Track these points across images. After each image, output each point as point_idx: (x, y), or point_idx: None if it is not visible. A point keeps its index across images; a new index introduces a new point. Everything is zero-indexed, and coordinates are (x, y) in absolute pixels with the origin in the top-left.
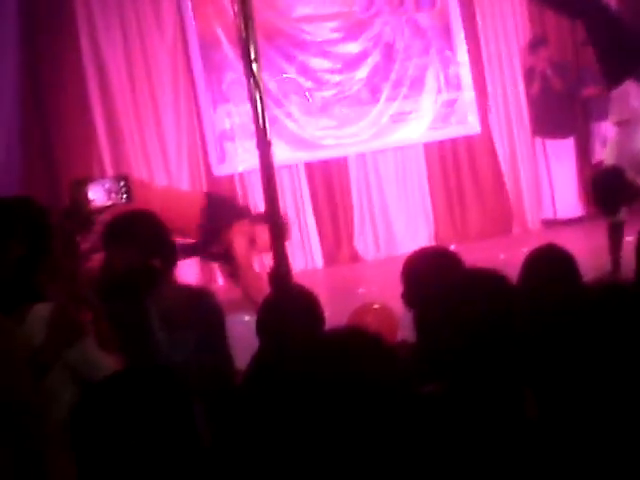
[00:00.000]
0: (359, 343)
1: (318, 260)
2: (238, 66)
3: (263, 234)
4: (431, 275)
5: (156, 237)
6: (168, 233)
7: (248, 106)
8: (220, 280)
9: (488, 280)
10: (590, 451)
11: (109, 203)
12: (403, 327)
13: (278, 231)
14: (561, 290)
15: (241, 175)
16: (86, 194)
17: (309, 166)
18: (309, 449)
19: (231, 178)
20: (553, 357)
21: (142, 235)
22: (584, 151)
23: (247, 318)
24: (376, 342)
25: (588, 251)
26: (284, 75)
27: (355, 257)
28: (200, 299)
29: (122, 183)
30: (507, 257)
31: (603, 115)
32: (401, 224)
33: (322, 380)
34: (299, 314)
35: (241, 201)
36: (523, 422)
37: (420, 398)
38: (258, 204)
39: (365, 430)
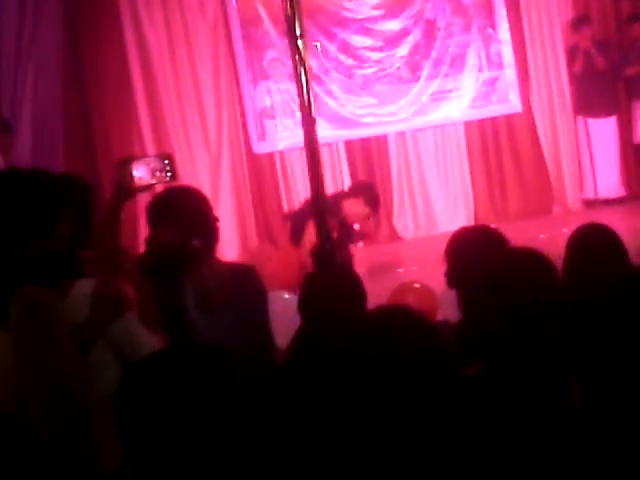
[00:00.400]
0: (402, 322)
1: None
2: (280, 43)
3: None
4: (475, 254)
5: (198, 216)
6: (210, 211)
7: (289, 84)
8: None
9: (532, 260)
10: (631, 434)
11: (154, 181)
12: (443, 307)
13: (373, 203)
14: (607, 270)
15: (281, 153)
16: (131, 172)
17: (349, 144)
18: (351, 428)
19: (271, 156)
20: (597, 338)
21: (183, 214)
22: (627, 131)
23: (287, 296)
24: (419, 321)
25: (630, 232)
26: (313, 43)
27: (394, 236)
28: (241, 278)
29: (166, 161)
30: (548, 237)
31: None
32: (440, 203)
33: (365, 359)
34: (342, 292)
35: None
36: (564, 406)
37: (462, 379)
38: (298, 182)
39: (407, 409)
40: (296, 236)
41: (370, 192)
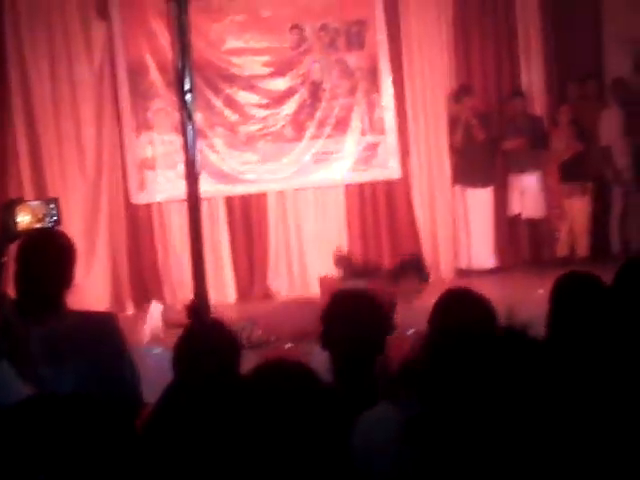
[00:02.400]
0: (288, 378)
1: (231, 294)
2: (166, 94)
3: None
4: (350, 318)
5: (49, 264)
6: (65, 257)
7: (172, 135)
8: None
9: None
10: None
11: (38, 225)
12: (313, 367)
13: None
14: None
15: (159, 204)
16: (15, 216)
17: (229, 200)
18: None
19: (149, 207)
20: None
21: (39, 261)
22: (502, 203)
23: (158, 350)
24: (304, 375)
25: (500, 303)
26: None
27: (268, 294)
28: (94, 327)
29: (52, 206)
30: (420, 303)
31: (522, 167)
32: (316, 264)
33: (243, 416)
34: (217, 349)
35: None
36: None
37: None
38: (174, 235)
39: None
40: None
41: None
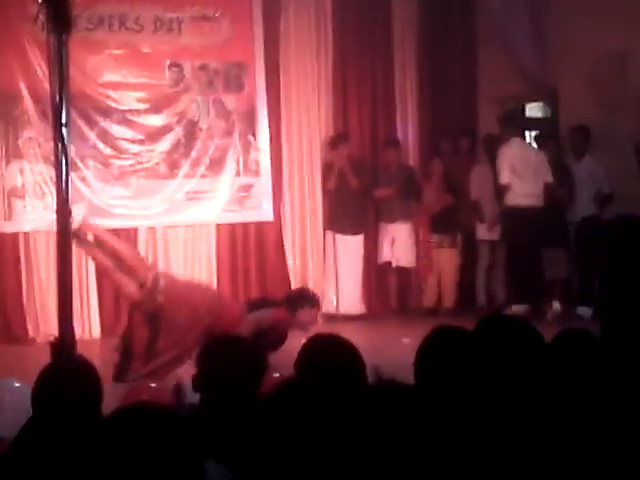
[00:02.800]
0: (147, 421)
1: (95, 329)
2: (38, 124)
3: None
4: (225, 361)
5: None
6: None
7: (42, 166)
8: None
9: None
10: None
11: None
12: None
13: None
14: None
15: (26, 235)
16: None
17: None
18: None
19: (16, 236)
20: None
21: None
22: (372, 251)
23: (17, 384)
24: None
25: (366, 349)
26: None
27: None
28: None
29: None
30: (287, 345)
31: (393, 217)
32: None
33: (103, 460)
34: (79, 386)
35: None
36: None
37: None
38: (41, 265)
39: None
40: None
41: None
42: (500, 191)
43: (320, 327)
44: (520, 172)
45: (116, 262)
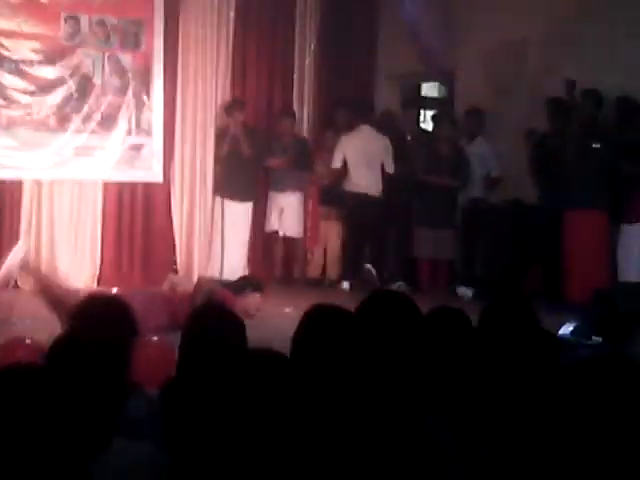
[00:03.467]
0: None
1: None
2: None
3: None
4: (97, 322)
5: None
6: None
7: None
8: None
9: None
10: None
11: None
12: None
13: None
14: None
15: None
16: None
17: None
18: None
19: None
20: None
21: None
22: (260, 218)
23: None
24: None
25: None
26: None
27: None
28: None
29: None
30: None
31: (284, 186)
32: (66, 259)
33: None
34: None
35: None
36: None
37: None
38: None
39: None
40: None
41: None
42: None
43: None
44: (353, 161)
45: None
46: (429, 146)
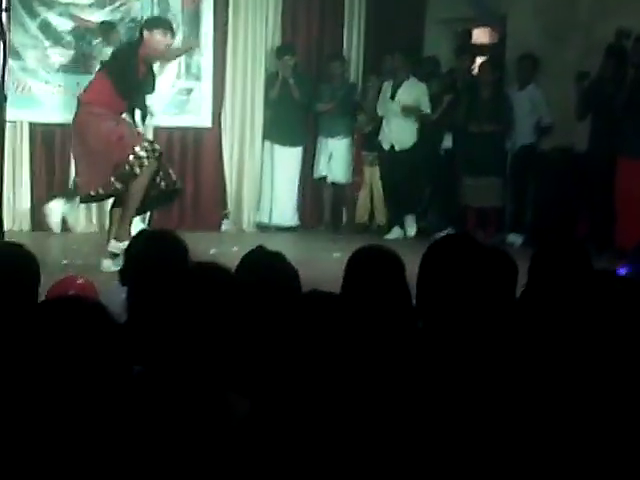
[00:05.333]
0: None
1: (26, 224)
2: None
3: None
4: (151, 257)
5: None
6: None
7: None
8: None
9: (215, 272)
10: None
11: None
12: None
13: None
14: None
15: None
16: None
17: (33, 127)
18: None
19: None
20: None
21: None
22: (309, 164)
23: None
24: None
25: (297, 261)
26: None
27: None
28: None
29: None
30: (217, 252)
31: (332, 132)
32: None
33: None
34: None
35: None
36: None
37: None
38: None
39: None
40: None
41: None
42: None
43: (253, 237)
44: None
45: None
46: (472, 92)
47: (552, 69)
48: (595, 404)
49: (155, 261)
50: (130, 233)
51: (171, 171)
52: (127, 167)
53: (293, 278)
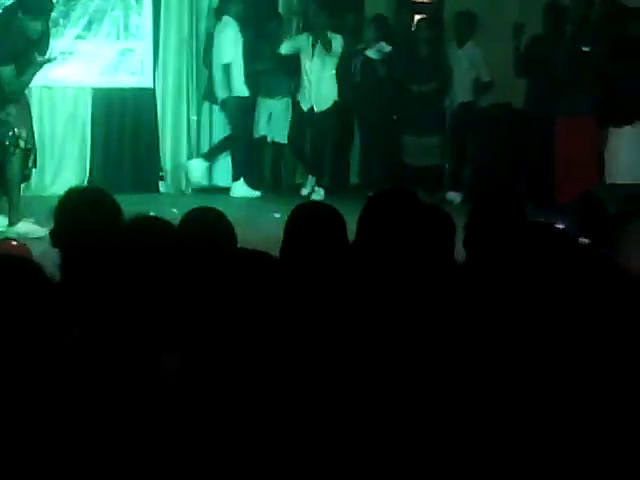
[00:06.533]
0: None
1: None
2: None
3: None
4: (85, 217)
5: None
6: None
7: None
8: None
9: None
10: None
11: None
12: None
13: None
14: None
15: None
16: None
17: None
18: None
19: None
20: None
21: None
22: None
23: None
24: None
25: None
26: None
27: None
28: None
29: None
30: (157, 215)
31: (271, 92)
32: (53, 165)
33: None
34: None
35: None
36: None
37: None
38: None
39: None
40: None
41: None
42: None
43: (192, 198)
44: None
45: None
46: (409, 49)
47: (491, 27)
48: (535, 359)
49: (86, 221)
50: None
51: None
52: None
53: (230, 238)
